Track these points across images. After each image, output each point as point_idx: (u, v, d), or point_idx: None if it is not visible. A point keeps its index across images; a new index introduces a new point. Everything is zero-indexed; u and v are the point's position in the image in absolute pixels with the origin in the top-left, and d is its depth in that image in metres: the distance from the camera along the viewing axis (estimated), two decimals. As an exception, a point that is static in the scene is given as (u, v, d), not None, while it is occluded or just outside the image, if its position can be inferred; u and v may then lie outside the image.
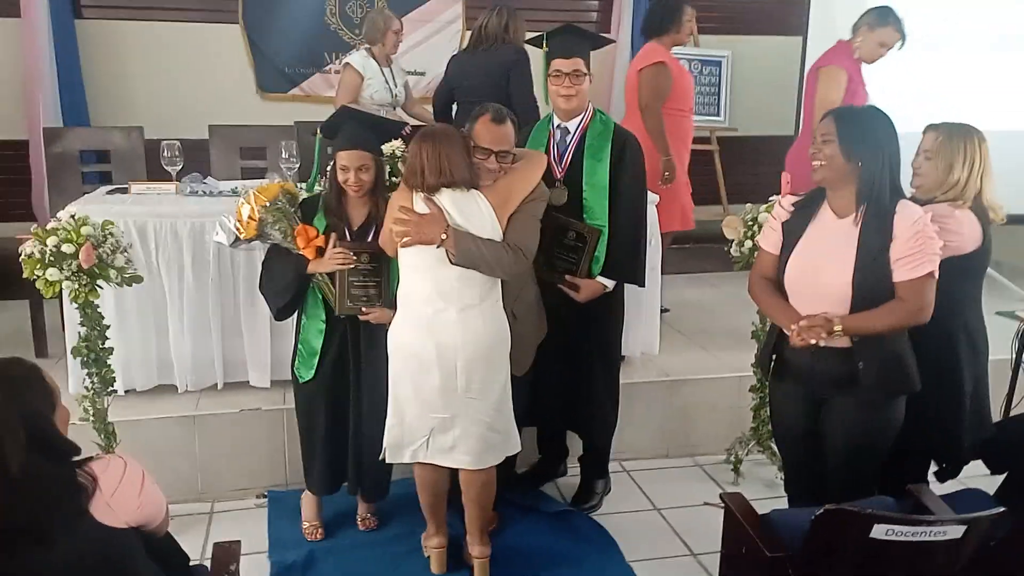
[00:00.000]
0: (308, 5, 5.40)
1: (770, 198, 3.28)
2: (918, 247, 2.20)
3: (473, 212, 2.49)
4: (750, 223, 3.21)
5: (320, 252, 2.64)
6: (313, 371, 2.75)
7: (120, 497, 1.61)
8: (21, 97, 4.93)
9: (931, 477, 2.82)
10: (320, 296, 2.73)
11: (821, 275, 2.29)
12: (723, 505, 2.34)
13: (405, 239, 2.47)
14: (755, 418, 3.47)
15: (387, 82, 4.54)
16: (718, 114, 5.60)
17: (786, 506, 2.63)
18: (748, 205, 3.36)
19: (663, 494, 3.36)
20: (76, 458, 1.63)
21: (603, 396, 3.08)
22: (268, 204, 2.57)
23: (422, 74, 5.63)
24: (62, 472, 1.57)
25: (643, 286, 3.09)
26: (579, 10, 5.94)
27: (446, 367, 2.50)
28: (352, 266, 2.62)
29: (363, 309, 2.67)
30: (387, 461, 2.67)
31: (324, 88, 5.51)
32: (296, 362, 2.80)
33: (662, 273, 3.94)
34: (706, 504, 3.22)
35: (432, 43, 5.64)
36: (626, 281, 3.01)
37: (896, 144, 2.26)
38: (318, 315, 2.74)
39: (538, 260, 2.88)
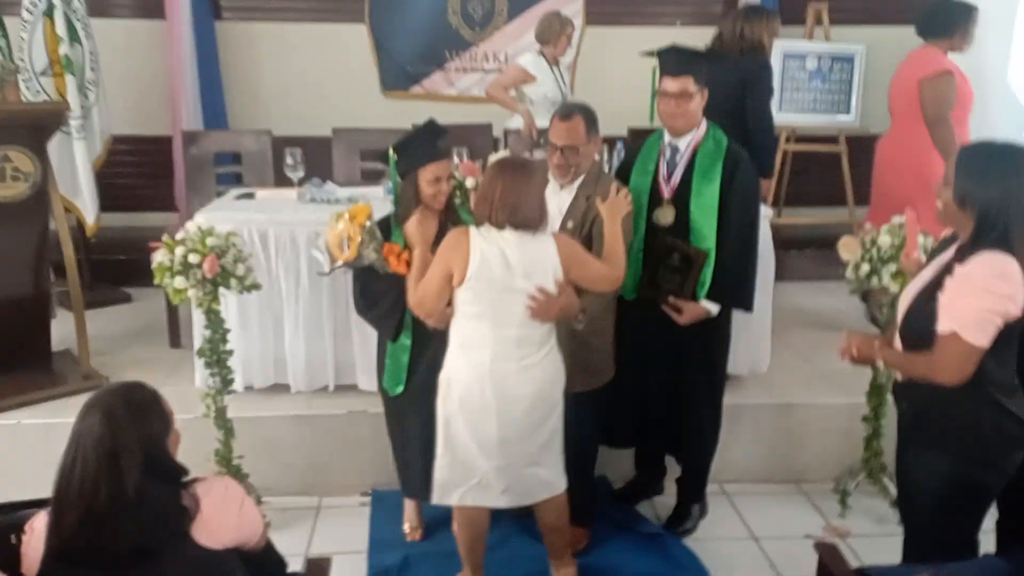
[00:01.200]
0: (431, 4, 5.49)
1: (895, 219, 3.10)
2: (950, 301, 2.00)
3: (536, 256, 2.41)
4: (869, 245, 3.05)
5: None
6: (403, 386, 2.78)
7: (220, 519, 1.72)
8: (166, 96, 5.27)
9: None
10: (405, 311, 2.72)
11: (902, 303, 2.21)
12: (824, 543, 2.29)
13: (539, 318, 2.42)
14: (867, 448, 3.32)
15: (557, 80, 4.67)
16: (848, 112, 5.30)
17: (899, 544, 2.50)
18: (867, 224, 3.19)
19: (763, 522, 3.28)
20: (184, 478, 1.76)
21: (704, 420, 3.03)
22: (364, 224, 2.62)
23: (540, 72, 5.62)
24: (171, 494, 1.69)
25: (750, 311, 3.00)
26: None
27: (506, 418, 2.45)
28: None
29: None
30: (433, 502, 2.61)
31: (444, 86, 5.60)
32: (384, 378, 2.82)
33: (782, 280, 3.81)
34: (807, 537, 3.12)
35: (552, 40, 5.60)
36: (732, 306, 2.93)
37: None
38: (404, 333, 2.75)
39: (643, 279, 2.87)
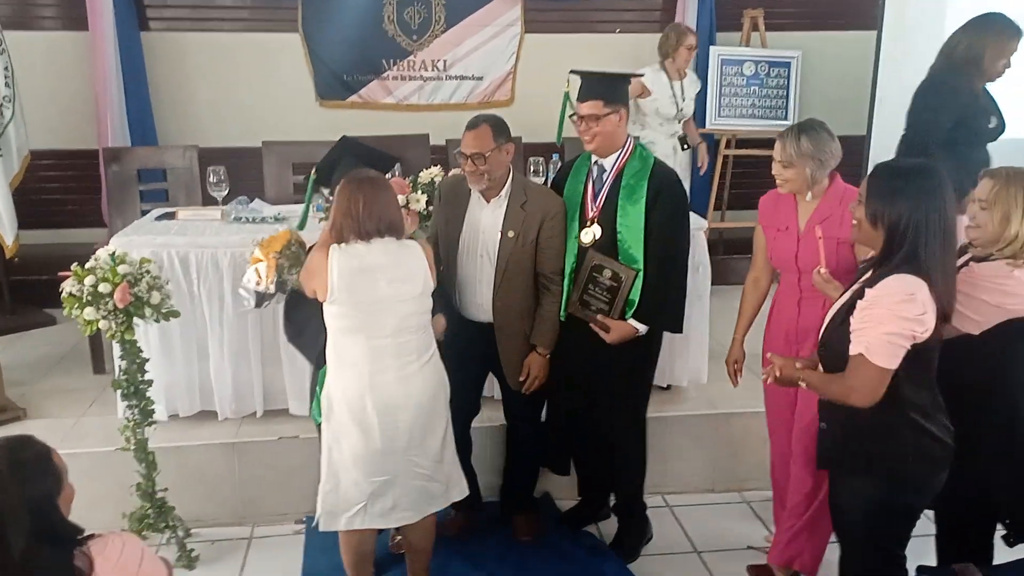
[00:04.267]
0: (366, 12, 5.37)
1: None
2: (860, 323, 2.00)
3: (402, 262, 2.44)
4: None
5: None
6: None
7: (116, 579, 1.62)
8: (92, 109, 5.08)
9: (999, 541, 2.65)
10: None
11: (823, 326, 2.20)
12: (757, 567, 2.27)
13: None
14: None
15: (674, 96, 4.64)
16: (786, 117, 5.33)
17: (837, 551, 2.47)
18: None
19: (706, 534, 3.26)
20: (78, 537, 1.65)
21: (628, 446, 2.99)
22: (280, 251, 2.57)
23: (480, 79, 5.56)
24: (61, 558, 1.58)
25: (679, 332, 2.96)
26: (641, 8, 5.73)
27: (387, 430, 2.43)
28: None
29: None
30: (321, 529, 2.56)
31: (382, 95, 5.50)
32: (313, 407, 2.73)
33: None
34: (749, 548, 3.11)
35: (491, 47, 5.54)
36: (660, 327, 2.88)
37: (937, 206, 1.98)
38: None
39: (571, 296, 2.82)
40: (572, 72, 2.84)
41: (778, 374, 2.18)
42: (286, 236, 2.64)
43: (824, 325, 2.15)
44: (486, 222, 2.84)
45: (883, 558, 2.18)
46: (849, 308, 2.05)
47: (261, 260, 2.58)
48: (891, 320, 1.95)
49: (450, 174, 3.36)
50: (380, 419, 2.42)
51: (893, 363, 1.97)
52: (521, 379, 2.90)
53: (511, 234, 2.79)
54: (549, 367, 2.91)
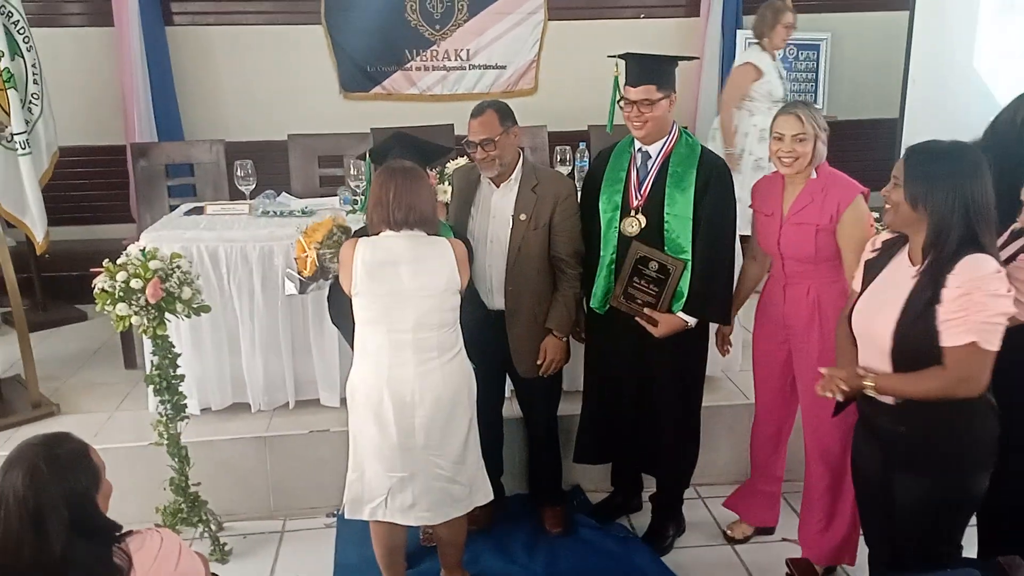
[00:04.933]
0: (388, 2, 5.35)
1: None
2: (961, 311, 1.92)
3: (427, 258, 2.40)
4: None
5: None
6: None
7: (156, 574, 1.62)
8: (118, 104, 5.11)
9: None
10: None
11: (872, 323, 2.10)
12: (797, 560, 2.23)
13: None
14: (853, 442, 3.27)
15: (780, 76, 4.47)
16: (815, 101, 5.24)
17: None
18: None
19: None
20: (116, 533, 1.66)
21: (679, 439, 2.94)
22: (322, 240, 2.57)
23: (503, 68, 5.53)
24: (100, 553, 1.59)
25: (728, 324, 2.92)
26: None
27: (404, 425, 2.41)
28: None
29: None
30: (346, 517, 2.58)
31: (405, 85, 5.48)
32: None
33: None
34: (784, 540, 3.07)
35: (513, 35, 5.51)
36: (710, 319, 2.84)
37: (980, 185, 1.94)
38: None
39: (615, 292, 2.78)
40: (623, 55, 2.75)
41: (845, 388, 2.08)
42: (328, 224, 2.66)
43: (894, 324, 2.04)
44: (497, 207, 2.81)
45: (946, 553, 2.13)
46: (927, 301, 1.97)
47: (305, 250, 2.59)
48: (992, 302, 1.91)
49: (455, 164, 3.35)
50: (396, 414, 2.40)
51: (998, 344, 1.94)
52: (538, 362, 2.86)
53: (523, 217, 2.77)
54: (566, 353, 2.90)
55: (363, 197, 2.98)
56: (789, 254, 2.66)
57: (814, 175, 2.64)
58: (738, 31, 5.23)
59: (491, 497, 2.62)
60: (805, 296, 2.66)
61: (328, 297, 2.81)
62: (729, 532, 3.17)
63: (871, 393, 2.08)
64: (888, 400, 2.09)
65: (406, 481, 2.46)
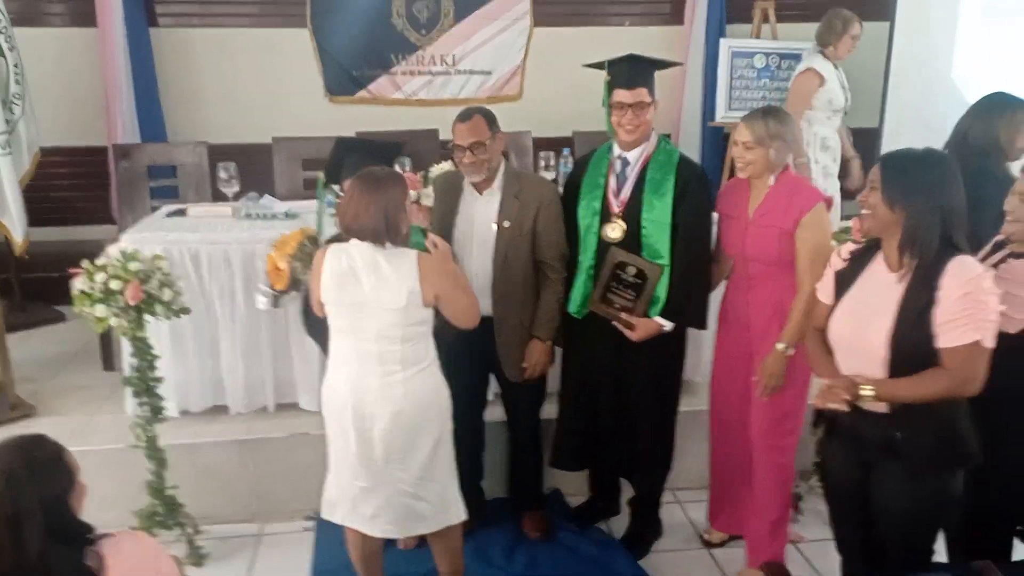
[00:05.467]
0: (374, 6, 5.35)
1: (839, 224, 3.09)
2: (965, 311, 1.96)
3: (386, 269, 2.31)
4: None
5: None
6: None
7: (129, 579, 1.62)
8: (101, 105, 5.09)
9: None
10: None
11: (862, 332, 2.11)
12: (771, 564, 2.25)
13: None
14: (818, 452, 3.29)
15: (842, 86, 4.42)
16: (797, 110, 5.28)
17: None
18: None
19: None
20: (89, 535, 1.65)
21: (654, 443, 2.97)
22: (293, 253, 2.58)
23: (488, 73, 5.54)
24: (75, 557, 1.58)
25: (704, 328, 2.94)
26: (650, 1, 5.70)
27: (363, 436, 2.38)
28: None
29: None
30: (321, 516, 2.58)
31: (390, 90, 5.48)
32: None
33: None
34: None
35: (499, 41, 5.52)
36: (687, 324, 2.87)
37: (955, 191, 2.01)
38: None
39: (593, 296, 2.80)
40: (618, 60, 2.75)
41: (846, 397, 2.05)
42: (299, 236, 2.65)
43: (891, 331, 2.05)
44: (480, 214, 2.82)
45: (922, 559, 2.17)
46: (923, 306, 2.00)
47: (277, 264, 2.59)
48: (992, 300, 1.97)
49: (440, 167, 3.35)
50: (355, 424, 2.37)
51: (995, 342, 2.00)
52: (523, 365, 2.88)
53: (507, 224, 2.79)
54: (550, 357, 2.93)
55: (320, 218, 2.96)
56: (753, 256, 2.70)
57: (771, 181, 2.67)
58: (721, 39, 5.26)
59: (463, 517, 2.56)
60: (768, 299, 2.71)
61: (303, 309, 2.81)
62: (706, 536, 3.19)
63: (867, 403, 2.06)
64: (881, 408, 2.09)
65: (367, 492, 2.43)
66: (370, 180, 2.33)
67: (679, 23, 5.58)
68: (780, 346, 2.66)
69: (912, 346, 2.02)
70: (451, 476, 2.52)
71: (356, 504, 2.46)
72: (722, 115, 5.28)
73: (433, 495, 2.47)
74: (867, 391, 2.04)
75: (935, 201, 1.99)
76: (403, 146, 3.16)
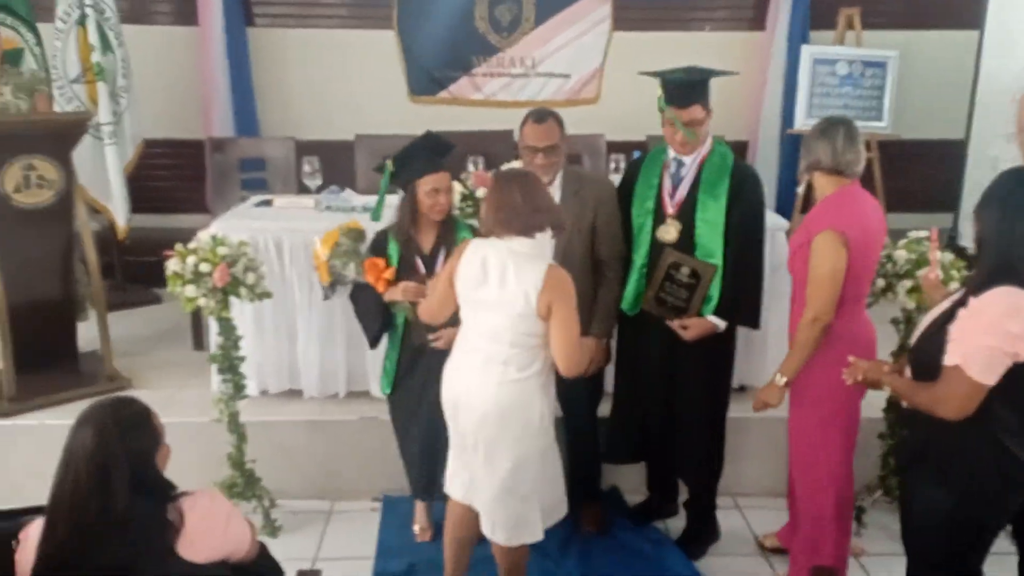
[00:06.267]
0: (458, 9, 5.50)
1: (912, 233, 3.04)
2: (959, 334, 1.94)
3: (516, 271, 2.31)
4: (883, 261, 2.99)
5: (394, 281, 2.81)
6: (391, 387, 2.96)
7: (204, 534, 1.75)
8: (200, 100, 5.38)
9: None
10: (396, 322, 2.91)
11: (917, 331, 2.18)
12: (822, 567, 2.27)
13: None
14: (883, 465, 3.27)
15: None
16: (880, 119, 5.17)
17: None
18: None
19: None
20: (171, 492, 1.80)
21: (704, 442, 3.00)
22: (331, 251, 2.75)
23: (567, 76, 5.62)
24: (157, 510, 1.72)
25: (757, 328, 2.96)
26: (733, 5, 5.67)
27: (458, 425, 2.49)
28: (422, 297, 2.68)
29: None
30: (445, 490, 2.65)
31: (470, 91, 5.62)
32: (381, 378, 3.02)
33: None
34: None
35: (579, 44, 5.58)
36: (739, 323, 2.90)
37: (1021, 215, 1.92)
38: (394, 339, 2.94)
39: (647, 295, 2.86)
40: (671, 78, 2.78)
41: (860, 378, 2.19)
42: (335, 235, 2.81)
43: (920, 331, 2.11)
44: None
45: (952, 573, 2.14)
46: (948, 316, 2.00)
47: (322, 259, 2.77)
48: (993, 333, 1.88)
49: (504, 167, 3.42)
50: (451, 413, 2.50)
51: (990, 378, 1.90)
52: None
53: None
54: (607, 354, 2.99)
55: (379, 204, 3.04)
56: (794, 274, 2.67)
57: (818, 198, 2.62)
58: (803, 46, 5.21)
59: (536, 539, 2.50)
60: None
61: (351, 295, 2.97)
62: (763, 542, 3.19)
63: (885, 390, 2.20)
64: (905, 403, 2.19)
65: (460, 470, 2.54)
66: (530, 175, 2.45)
67: (760, 29, 5.54)
68: (780, 381, 2.63)
69: (924, 354, 2.05)
70: (531, 497, 2.44)
71: (454, 475, 2.57)
72: (801, 122, 5.21)
73: (511, 509, 2.44)
74: (886, 380, 2.14)
75: (1000, 227, 1.93)
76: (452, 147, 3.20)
